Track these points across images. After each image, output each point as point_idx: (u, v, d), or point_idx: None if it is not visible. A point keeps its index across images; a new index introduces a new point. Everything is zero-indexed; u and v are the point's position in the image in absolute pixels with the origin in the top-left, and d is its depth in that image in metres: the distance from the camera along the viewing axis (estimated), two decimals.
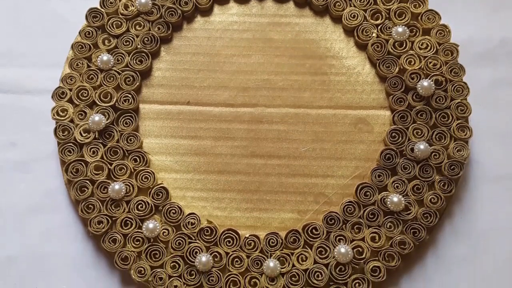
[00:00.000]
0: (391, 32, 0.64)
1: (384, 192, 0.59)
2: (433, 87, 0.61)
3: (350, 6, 0.66)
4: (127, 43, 0.65)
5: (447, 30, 0.64)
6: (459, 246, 0.60)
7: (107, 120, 0.61)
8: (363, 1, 0.66)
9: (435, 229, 0.60)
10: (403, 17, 0.65)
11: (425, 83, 0.61)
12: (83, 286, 0.60)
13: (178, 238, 0.58)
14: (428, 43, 0.64)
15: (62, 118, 0.62)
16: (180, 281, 0.57)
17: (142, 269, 0.57)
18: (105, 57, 0.63)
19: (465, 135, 0.60)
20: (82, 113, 0.62)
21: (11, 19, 0.69)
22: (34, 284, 0.60)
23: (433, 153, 0.60)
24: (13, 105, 0.65)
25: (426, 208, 0.58)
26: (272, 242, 0.58)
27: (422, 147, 0.59)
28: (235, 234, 0.58)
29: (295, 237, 0.58)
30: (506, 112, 0.65)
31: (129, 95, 0.63)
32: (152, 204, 0.59)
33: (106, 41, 0.65)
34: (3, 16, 0.69)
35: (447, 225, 0.61)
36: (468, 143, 0.60)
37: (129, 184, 0.60)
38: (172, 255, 0.58)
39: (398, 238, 0.57)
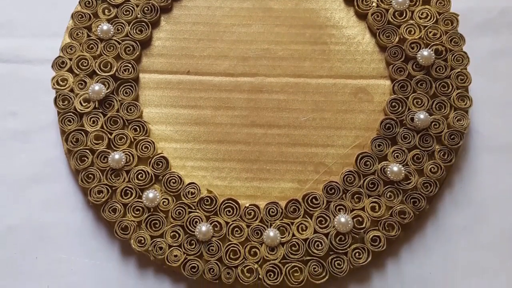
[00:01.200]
0: (391, 1, 0.57)
1: (384, 162, 0.52)
2: (433, 56, 0.54)
3: None
4: (127, 12, 0.56)
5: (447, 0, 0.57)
6: (459, 216, 0.54)
7: (107, 90, 0.54)
8: None
9: (435, 199, 0.53)
10: None
11: (425, 53, 0.53)
12: (83, 256, 0.52)
13: (178, 208, 0.51)
14: (428, 12, 0.56)
15: (62, 88, 0.54)
16: (180, 250, 0.50)
17: (142, 238, 0.50)
18: (105, 26, 0.55)
19: (465, 104, 0.53)
20: (82, 82, 0.54)
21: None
22: (34, 254, 0.52)
23: (433, 123, 0.52)
24: (13, 75, 0.58)
25: (426, 178, 0.52)
26: (272, 212, 0.51)
27: (422, 116, 0.52)
28: (235, 204, 0.51)
29: (295, 207, 0.51)
30: (506, 82, 0.58)
31: (129, 65, 0.55)
32: (152, 174, 0.52)
33: (106, 10, 0.56)
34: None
35: (447, 195, 0.54)
36: (468, 112, 0.53)
37: (129, 153, 0.52)
38: (172, 224, 0.50)
39: (398, 207, 0.51)
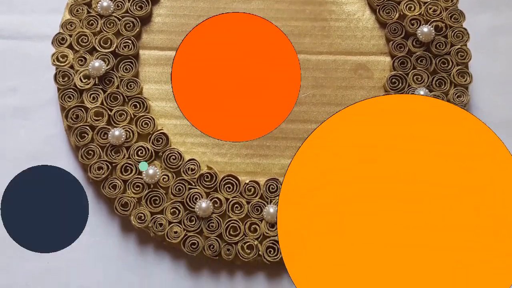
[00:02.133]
0: None
1: None
2: (433, 33, 0.47)
3: None
4: None
5: None
6: None
7: (107, 66, 0.47)
8: None
9: None
10: None
11: (425, 29, 0.47)
12: (83, 232, 0.46)
13: (178, 184, 0.44)
14: None
15: (62, 64, 0.47)
16: (180, 227, 0.43)
17: (142, 215, 0.43)
18: (105, 3, 0.48)
19: (465, 81, 0.47)
20: (82, 59, 0.47)
21: None
22: None
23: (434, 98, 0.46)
24: (13, 51, 0.51)
25: None
26: (272, 188, 0.44)
27: (422, 93, 0.46)
28: (235, 180, 0.45)
29: None
30: (506, 59, 0.52)
31: (129, 41, 0.47)
32: (152, 150, 0.45)
33: None
34: None
35: None
36: (468, 89, 0.47)
37: (129, 130, 0.45)
38: (172, 201, 0.44)
39: None
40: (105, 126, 0.45)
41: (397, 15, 0.49)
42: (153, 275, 0.45)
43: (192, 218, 0.44)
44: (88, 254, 0.46)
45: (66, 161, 0.48)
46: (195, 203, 0.44)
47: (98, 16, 0.48)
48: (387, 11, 0.49)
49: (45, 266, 0.45)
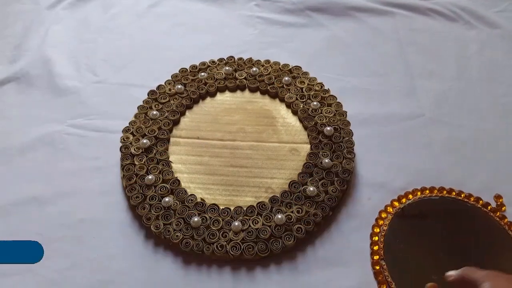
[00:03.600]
0: (310, 105, 0.64)
1: (305, 185, 0.55)
2: (333, 131, 0.60)
3: (289, 92, 0.66)
4: (168, 107, 0.65)
5: (341, 104, 0.64)
6: (351, 220, 0.55)
7: (150, 143, 0.60)
8: (296, 91, 0.66)
9: (335, 209, 0.55)
10: (317, 97, 0.65)
11: (328, 128, 0.60)
12: (121, 240, 0.53)
13: (182, 208, 0.54)
14: (331, 110, 0.63)
15: (125, 141, 0.61)
16: (180, 233, 0.52)
17: (158, 225, 0.52)
18: (155, 112, 0.64)
19: (351, 156, 0.58)
20: (137, 139, 0.61)
21: (108, 101, 0.68)
22: (91, 234, 0.53)
23: (333, 165, 0.57)
24: (102, 137, 0.63)
25: (330, 195, 0.55)
26: (237, 212, 0.54)
27: (326, 161, 0.57)
28: (216, 207, 0.54)
29: (251, 209, 0.54)
30: (376, 148, 0.61)
31: (165, 131, 0.62)
32: (170, 188, 0.56)
33: (155, 105, 0.65)
34: (109, 100, 0.68)
35: (343, 207, 0.56)
36: (353, 160, 0.58)
37: (158, 177, 0.57)
38: (177, 217, 0.53)
39: (313, 211, 0.53)
40: (143, 174, 0.57)
41: (313, 122, 0.62)
42: (162, 265, 0.52)
43: (188, 227, 0.52)
44: (121, 251, 0.53)
45: (120, 195, 0.57)
46: (190, 219, 0.53)
47: (150, 119, 0.63)
48: (308, 120, 0.62)
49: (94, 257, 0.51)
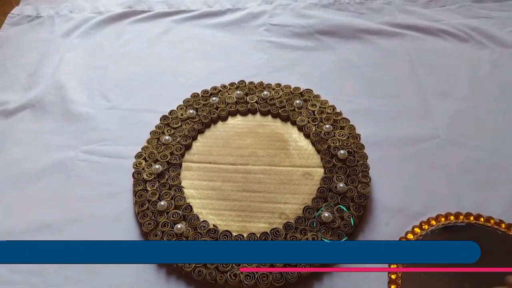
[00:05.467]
0: (322, 128, 0.64)
1: (319, 211, 0.54)
2: (346, 154, 0.60)
3: (301, 115, 0.67)
4: (180, 132, 0.65)
5: (354, 127, 0.64)
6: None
7: (163, 168, 0.60)
8: (308, 114, 0.67)
9: (351, 236, 0.54)
10: (329, 120, 0.65)
11: (342, 152, 0.60)
12: (133, 269, 0.53)
13: (194, 235, 0.53)
14: (344, 132, 0.63)
15: (138, 168, 0.61)
16: None
17: None
18: (167, 137, 0.64)
19: (366, 180, 0.57)
20: (150, 164, 0.61)
21: (120, 126, 0.69)
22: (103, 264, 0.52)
23: (348, 189, 0.56)
24: (114, 164, 0.64)
25: (345, 221, 0.54)
26: (251, 239, 0.53)
27: (341, 185, 0.56)
28: (229, 233, 0.54)
29: (265, 236, 0.53)
30: (392, 172, 0.60)
31: (178, 157, 0.62)
32: (182, 215, 0.55)
33: (167, 130, 0.66)
34: (121, 126, 0.69)
35: (360, 233, 0.54)
36: (369, 185, 0.57)
37: (170, 203, 0.57)
38: None
39: (329, 238, 0.52)
40: (156, 200, 0.57)
41: (326, 146, 0.62)
42: None
43: None
44: (136, 277, 0.52)
45: (132, 221, 0.57)
46: None
47: (162, 144, 0.64)
48: (321, 144, 0.62)
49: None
